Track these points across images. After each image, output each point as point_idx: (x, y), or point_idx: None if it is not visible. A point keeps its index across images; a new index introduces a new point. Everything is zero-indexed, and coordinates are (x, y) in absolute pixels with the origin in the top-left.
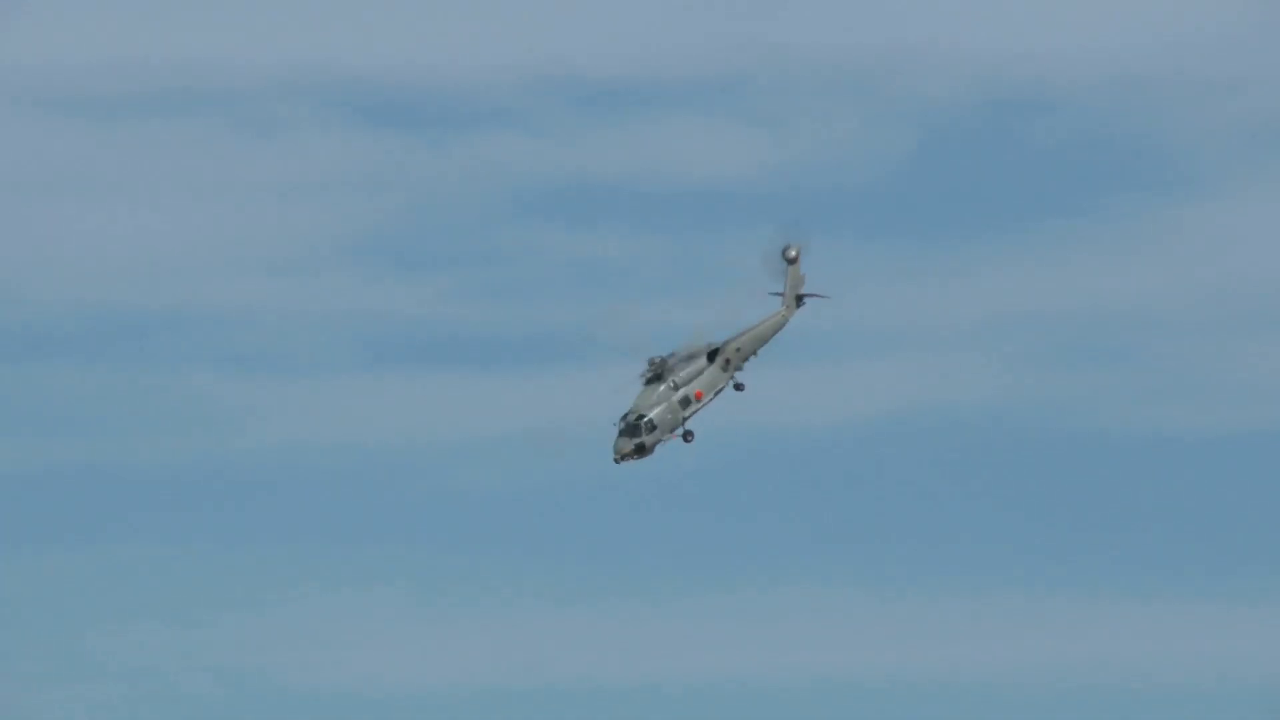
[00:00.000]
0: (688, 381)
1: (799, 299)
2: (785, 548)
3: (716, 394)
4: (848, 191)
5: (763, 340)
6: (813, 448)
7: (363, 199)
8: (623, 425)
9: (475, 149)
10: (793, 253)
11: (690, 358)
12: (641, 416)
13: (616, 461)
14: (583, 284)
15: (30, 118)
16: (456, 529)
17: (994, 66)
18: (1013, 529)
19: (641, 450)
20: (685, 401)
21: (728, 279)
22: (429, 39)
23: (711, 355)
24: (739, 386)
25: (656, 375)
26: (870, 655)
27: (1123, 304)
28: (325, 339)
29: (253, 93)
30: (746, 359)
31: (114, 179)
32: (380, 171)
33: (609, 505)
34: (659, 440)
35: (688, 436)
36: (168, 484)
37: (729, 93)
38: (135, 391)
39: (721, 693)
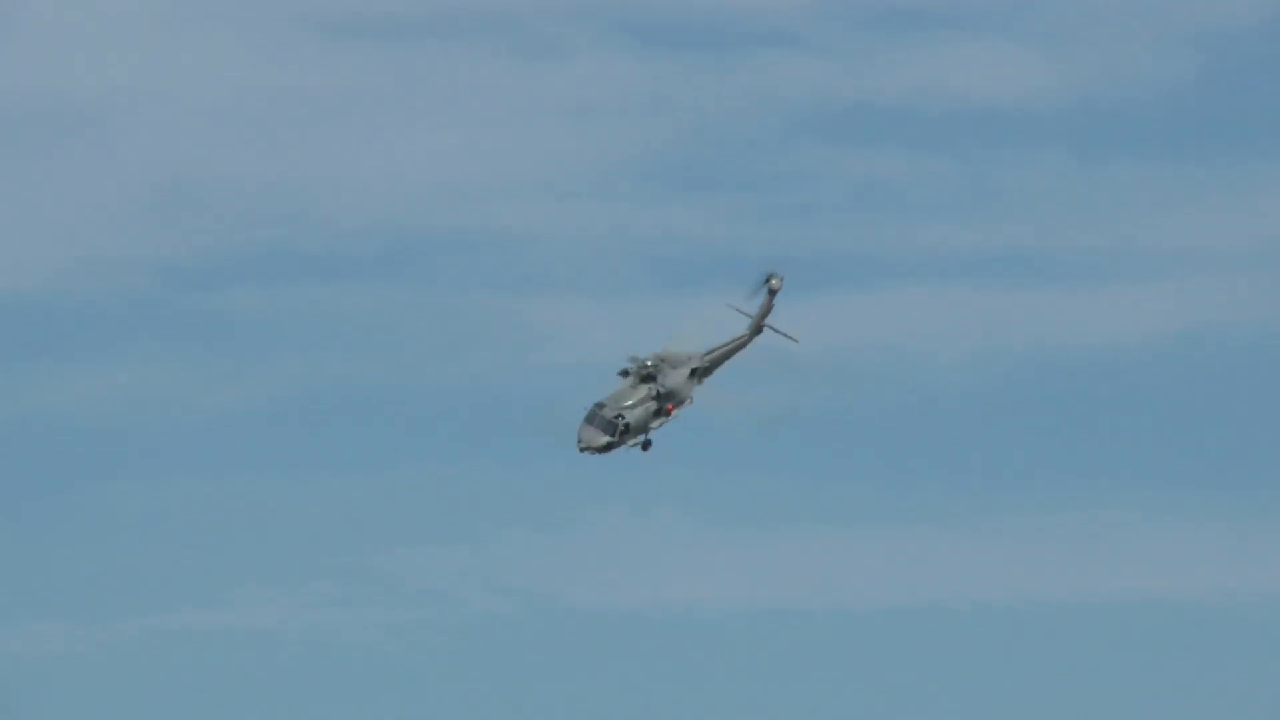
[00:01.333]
0: (671, 391)
1: (761, 327)
2: (1075, 468)
3: (676, 413)
4: (1129, 113)
5: (726, 359)
6: (1094, 368)
7: (645, 121)
8: (597, 417)
9: (757, 71)
10: (775, 283)
11: (676, 367)
12: (620, 416)
13: (579, 450)
14: (863, 206)
15: (315, 42)
16: (740, 450)
17: None
18: None
19: (605, 449)
20: (659, 411)
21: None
22: None
23: (693, 371)
24: (646, 445)
25: (648, 377)
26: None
27: None
28: (610, 261)
29: (535, 15)
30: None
31: (400, 102)
32: (663, 94)
33: (899, 425)
34: (623, 444)
35: (646, 445)
36: (456, 405)
37: (1011, 14)
38: (425, 313)
39: (1032, 613)
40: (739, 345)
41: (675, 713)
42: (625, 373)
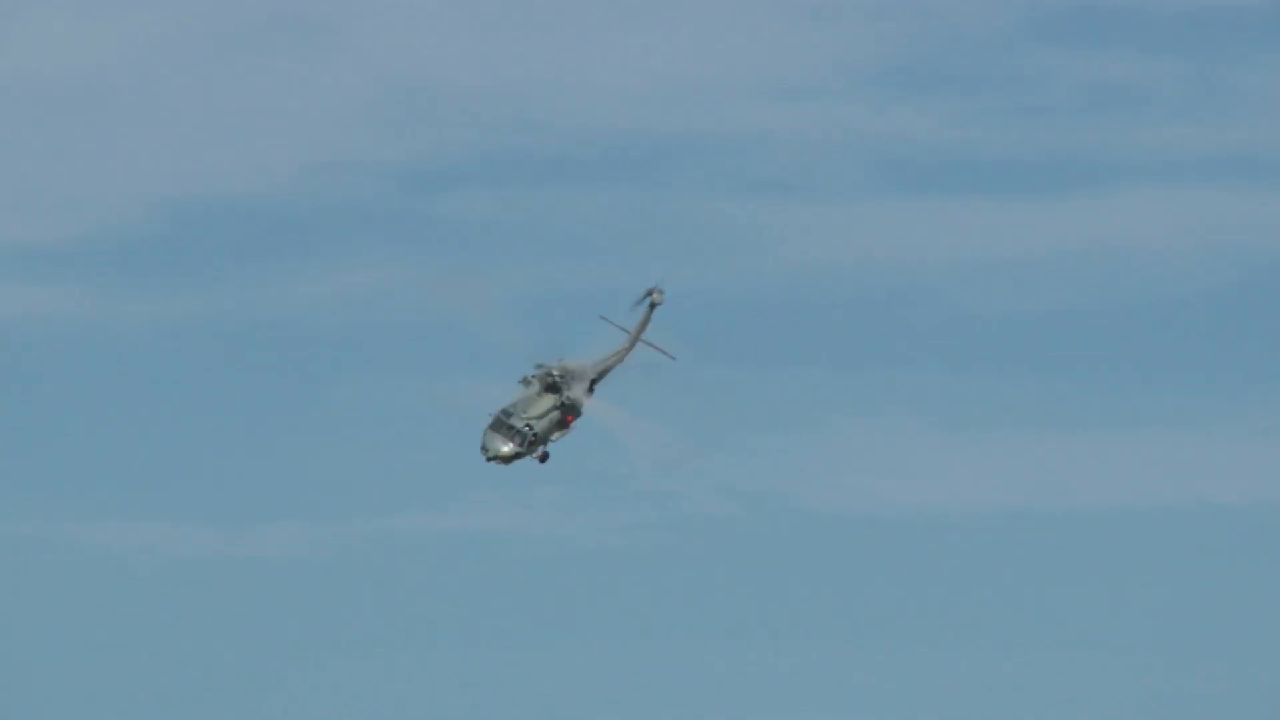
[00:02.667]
0: (574, 403)
1: (636, 342)
2: None
3: (573, 425)
4: None
5: (608, 372)
6: None
7: (876, 23)
8: (504, 425)
9: None
10: (657, 298)
11: (578, 379)
12: (529, 426)
13: (487, 459)
14: (1093, 108)
15: None
16: (973, 351)
17: None
18: None
19: (511, 459)
20: (561, 423)
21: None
22: None
23: (590, 385)
24: (544, 458)
25: (553, 387)
26: None
27: None
28: (839, 163)
29: None
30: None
31: (633, 3)
32: None
33: (1131, 326)
34: (529, 455)
35: (544, 458)
36: (688, 307)
37: None
38: (653, 216)
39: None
40: (620, 359)
41: (903, 615)
42: (526, 380)
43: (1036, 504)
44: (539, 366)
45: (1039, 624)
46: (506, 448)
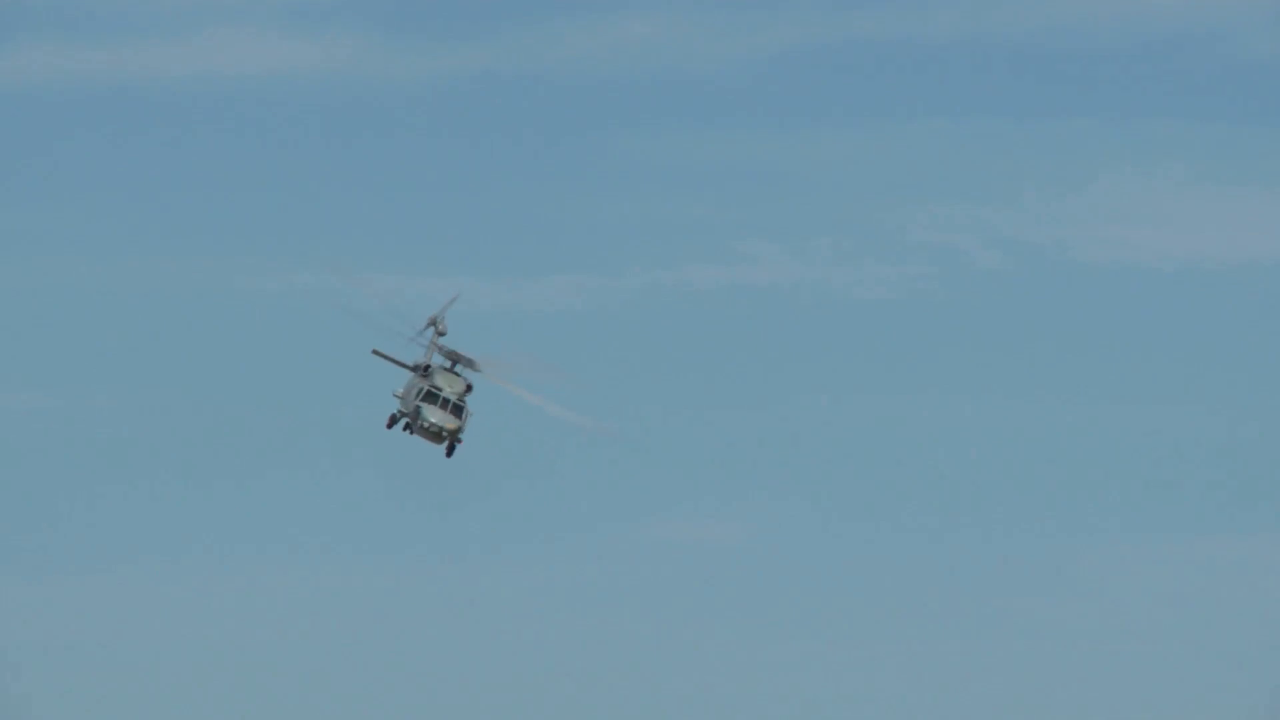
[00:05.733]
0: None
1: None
2: None
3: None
4: None
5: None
6: None
7: None
8: (444, 400)
9: None
10: (441, 327)
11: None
12: (462, 405)
13: (432, 430)
14: None
15: None
16: (1240, 102)
17: None
18: None
19: (450, 438)
20: (459, 409)
21: None
22: None
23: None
24: (452, 450)
25: (452, 361)
26: None
27: None
28: None
29: None
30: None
31: None
32: None
33: None
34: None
35: (452, 450)
36: (963, 58)
37: None
38: None
39: None
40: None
41: (1178, 368)
42: (425, 368)
43: None
44: (450, 355)
45: None
46: (451, 424)
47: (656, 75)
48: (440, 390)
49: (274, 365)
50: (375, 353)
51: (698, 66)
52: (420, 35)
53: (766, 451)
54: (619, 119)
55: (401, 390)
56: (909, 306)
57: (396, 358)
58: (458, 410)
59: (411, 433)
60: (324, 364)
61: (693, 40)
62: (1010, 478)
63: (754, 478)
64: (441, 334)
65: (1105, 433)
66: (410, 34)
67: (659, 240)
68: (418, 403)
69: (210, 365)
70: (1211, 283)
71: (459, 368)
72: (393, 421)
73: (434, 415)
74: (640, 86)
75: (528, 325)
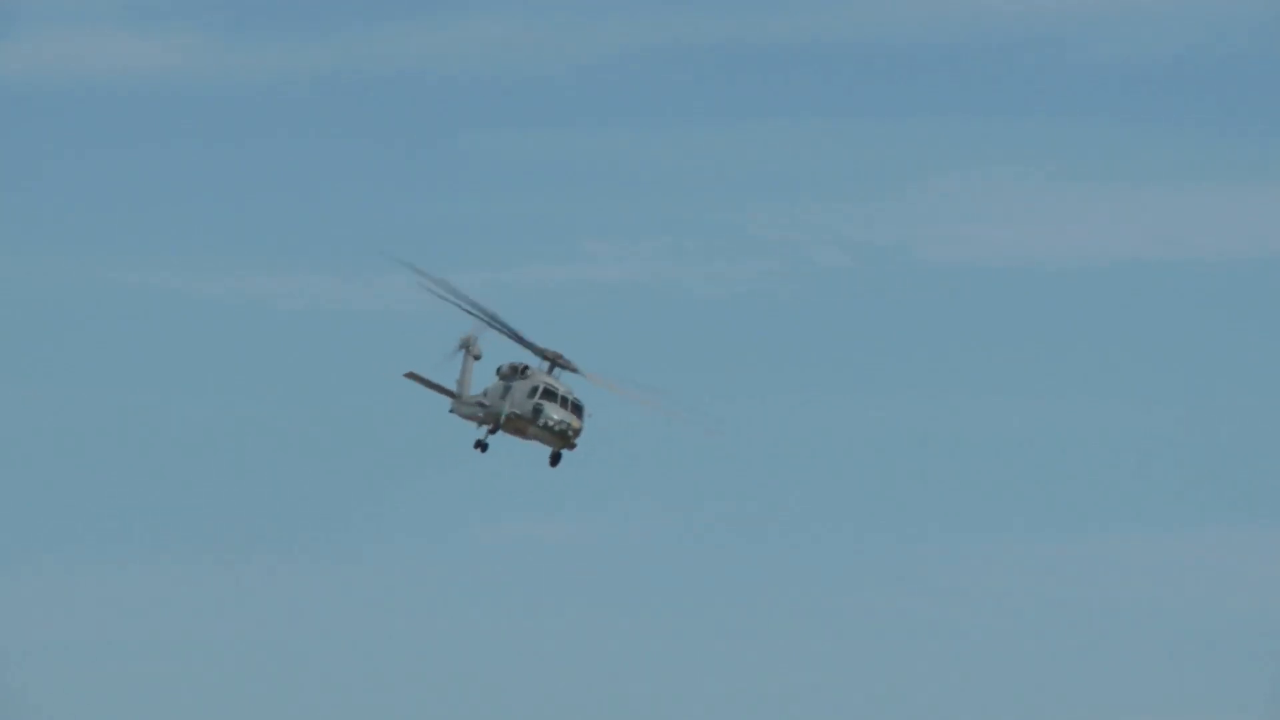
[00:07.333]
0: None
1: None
2: None
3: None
4: None
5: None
6: None
7: None
8: (561, 396)
9: None
10: (476, 349)
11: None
12: (579, 405)
13: (567, 436)
14: None
15: None
16: (1086, 101)
17: None
18: None
19: (563, 437)
20: (579, 409)
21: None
22: None
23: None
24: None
25: (550, 364)
26: None
27: None
28: None
29: None
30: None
31: None
32: None
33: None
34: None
35: (558, 458)
36: (787, 62)
37: None
38: None
39: None
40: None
41: (1019, 365)
42: (523, 369)
43: (1151, 253)
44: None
45: (1145, 374)
46: (577, 423)
47: (496, 76)
48: (557, 389)
49: (106, 367)
50: (410, 376)
51: (537, 66)
52: (263, 34)
53: (609, 451)
54: (459, 119)
55: (486, 394)
56: (749, 304)
57: (433, 380)
58: (578, 410)
59: (491, 433)
60: (166, 360)
61: (533, 40)
62: (850, 476)
63: (594, 477)
64: (476, 357)
65: (945, 430)
66: (252, 32)
67: (499, 240)
68: (538, 401)
69: (49, 365)
70: (1052, 281)
71: (556, 370)
72: (483, 446)
73: (558, 413)
74: (479, 87)
75: (368, 324)
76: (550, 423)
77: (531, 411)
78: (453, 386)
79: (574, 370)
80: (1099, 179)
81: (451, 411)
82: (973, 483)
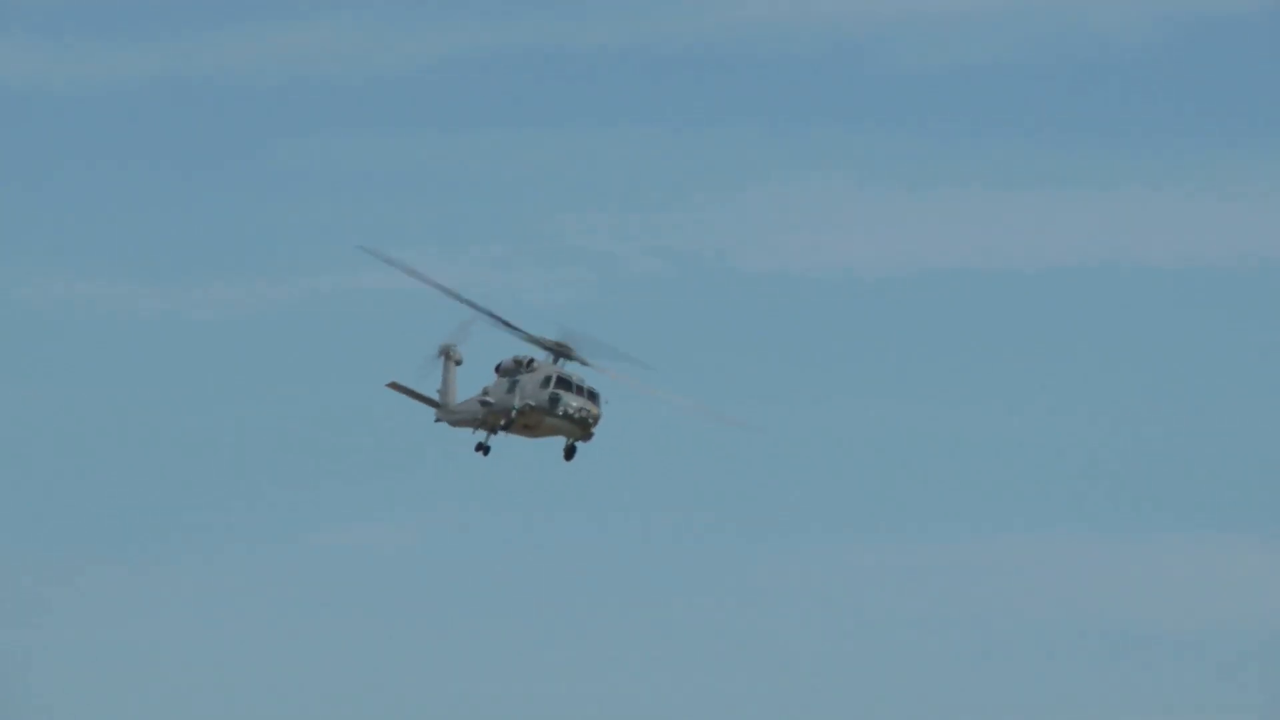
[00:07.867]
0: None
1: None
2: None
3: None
4: None
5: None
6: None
7: None
8: (576, 385)
9: None
10: (456, 355)
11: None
12: (595, 393)
13: (587, 424)
14: None
15: None
16: (896, 109)
17: None
18: None
19: (582, 426)
20: (595, 396)
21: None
22: None
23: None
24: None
25: (555, 355)
26: None
27: None
28: None
29: None
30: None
31: None
32: None
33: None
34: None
35: (573, 451)
36: (625, 67)
37: None
38: None
39: None
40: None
41: (832, 372)
42: (528, 361)
43: (965, 262)
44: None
45: (973, 383)
46: (597, 410)
47: (319, 80)
48: (570, 377)
49: None
50: (392, 386)
51: (358, 71)
52: (88, 38)
53: (451, 460)
54: (281, 124)
55: (488, 392)
56: (566, 312)
57: (416, 390)
58: (594, 397)
59: (492, 434)
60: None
61: (354, 45)
62: (673, 485)
63: (437, 483)
64: (457, 362)
65: (763, 439)
66: (78, 36)
67: (319, 247)
68: (554, 390)
69: None
70: (869, 290)
71: (561, 362)
72: (484, 449)
73: (577, 400)
74: (303, 91)
75: (191, 333)
76: (570, 410)
77: (549, 401)
78: (434, 395)
79: (584, 363)
80: (913, 189)
81: (437, 421)
82: (794, 491)
